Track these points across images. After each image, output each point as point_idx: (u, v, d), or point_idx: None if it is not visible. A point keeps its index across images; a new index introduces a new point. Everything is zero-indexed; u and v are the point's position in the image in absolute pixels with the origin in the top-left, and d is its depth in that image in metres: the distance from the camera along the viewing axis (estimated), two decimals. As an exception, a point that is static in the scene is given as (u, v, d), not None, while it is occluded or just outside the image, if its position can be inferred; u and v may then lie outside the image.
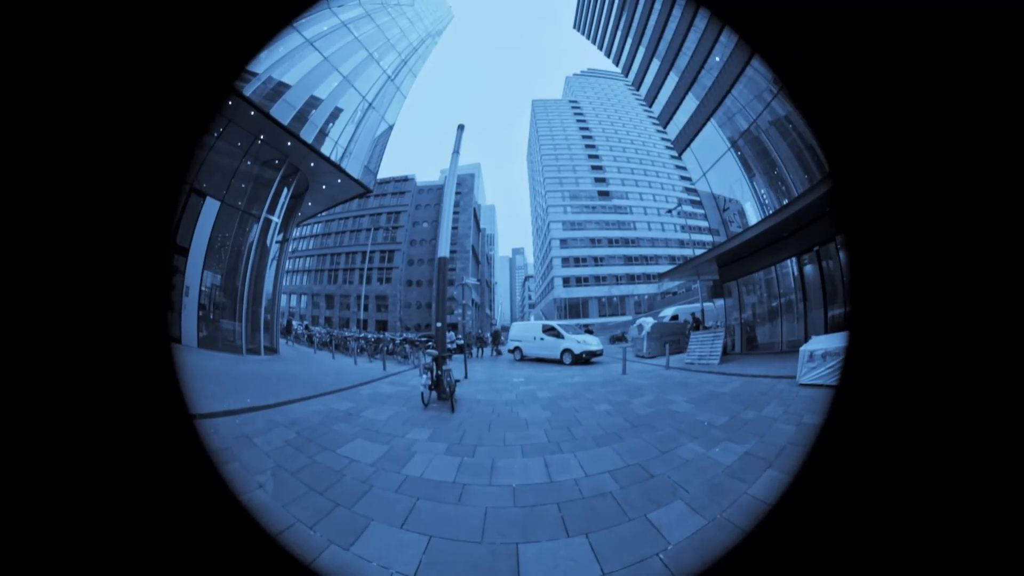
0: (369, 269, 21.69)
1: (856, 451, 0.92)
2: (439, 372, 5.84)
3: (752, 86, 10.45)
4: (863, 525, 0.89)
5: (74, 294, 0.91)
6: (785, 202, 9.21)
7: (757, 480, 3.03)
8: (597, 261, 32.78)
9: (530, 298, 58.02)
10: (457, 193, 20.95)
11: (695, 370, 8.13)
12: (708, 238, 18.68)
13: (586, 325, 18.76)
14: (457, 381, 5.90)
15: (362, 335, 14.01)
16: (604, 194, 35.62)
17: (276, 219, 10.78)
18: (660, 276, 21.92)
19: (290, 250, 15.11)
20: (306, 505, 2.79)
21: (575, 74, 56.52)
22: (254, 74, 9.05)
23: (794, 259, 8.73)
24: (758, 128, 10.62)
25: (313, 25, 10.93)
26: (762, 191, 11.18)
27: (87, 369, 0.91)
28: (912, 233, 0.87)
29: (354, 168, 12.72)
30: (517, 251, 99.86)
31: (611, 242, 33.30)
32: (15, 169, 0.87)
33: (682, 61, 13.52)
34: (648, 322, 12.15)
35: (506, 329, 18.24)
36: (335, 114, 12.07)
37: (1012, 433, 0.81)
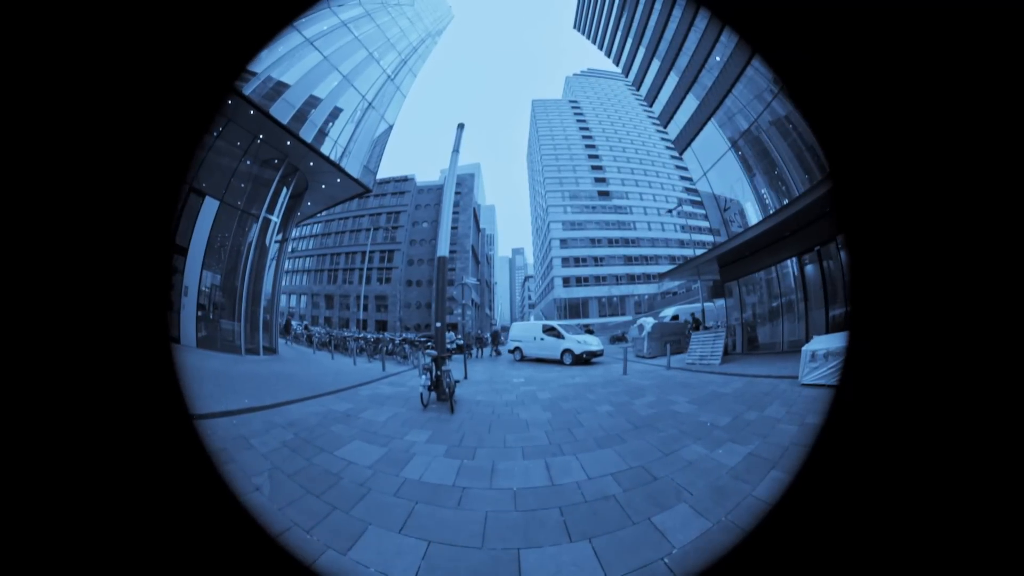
0: (369, 269, 21.66)
1: (856, 451, 0.92)
2: (438, 373, 5.79)
3: (752, 86, 10.44)
4: (863, 525, 0.88)
5: (74, 294, 0.90)
6: (785, 202, 9.19)
7: (761, 482, 2.99)
8: (597, 261, 32.77)
9: (530, 298, 58.03)
10: (457, 193, 20.97)
11: (696, 370, 8.09)
12: (708, 238, 18.66)
13: (586, 325, 18.72)
14: (457, 382, 5.84)
15: (361, 335, 13.96)
16: (604, 194, 35.62)
17: (275, 219, 10.74)
18: (661, 276, 21.91)
19: (289, 250, 15.07)
20: (303, 508, 2.74)
21: (575, 74, 56.57)
22: (253, 73, 9.01)
23: (795, 259, 8.71)
24: (759, 128, 10.60)
25: (313, 24, 10.89)
26: (763, 191, 11.15)
27: (87, 369, 0.90)
28: (912, 233, 0.87)
29: (353, 168, 12.68)
30: (517, 251, 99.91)
31: (611, 242, 33.29)
32: (15, 169, 0.87)
33: (682, 61, 13.50)
34: (649, 322, 12.11)
35: (506, 329, 18.21)
36: (335, 113, 12.04)
37: (1012, 433, 0.81)
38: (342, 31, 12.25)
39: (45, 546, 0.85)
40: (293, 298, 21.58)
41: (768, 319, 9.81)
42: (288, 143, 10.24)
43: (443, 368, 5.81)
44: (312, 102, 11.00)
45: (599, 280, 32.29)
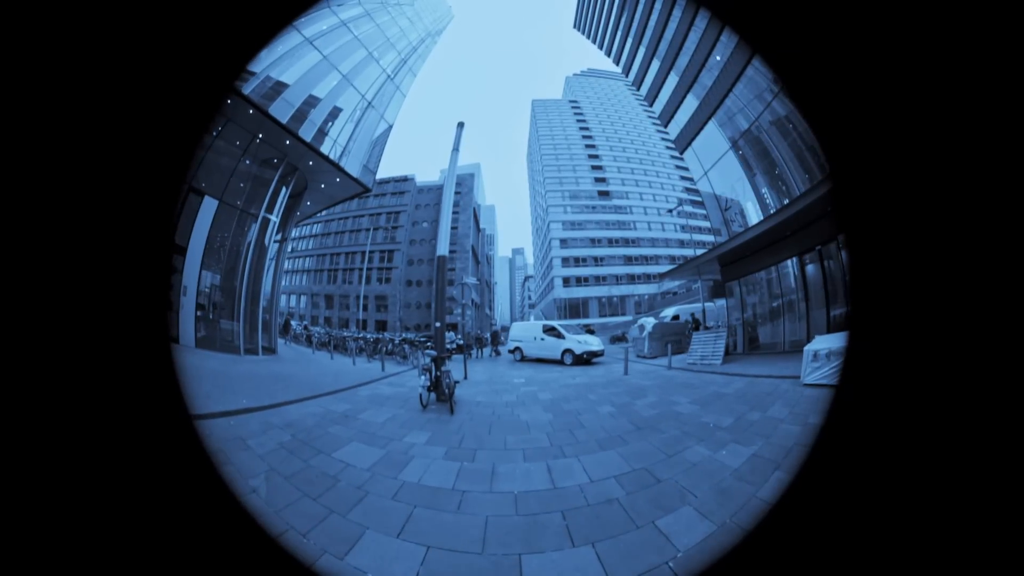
0: (368, 269, 21.63)
1: (856, 451, 0.92)
2: (438, 373, 5.73)
3: (752, 86, 10.42)
4: (864, 525, 0.88)
5: (74, 293, 0.90)
6: (786, 201, 9.16)
7: (766, 483, 2.95)
8: (597, 261, 32.74)
9: (530, 298, 58.01)
10: (457, 192, 20.94)
11: (697, 370, 8.06)
12: (709, 238, 18.63)
13: (587, 325, 18.67)
14: (456, 382, 5.79)
15: (361, 335, 13.92)
16: (604, 194, 35.61)
17: (274, 218, 10.69)
18: (661, 276, 21.88)
19: (289, 250, 15.03)
20: (299, 511, 2.69)
21: (575, 74, 56.58)
22: (252, 73, 8.97)
23: (796, 258, 8.67)
24: (759, 128, 10.57)
25: (312, 24, 10.85)
26: (764, 190, 11.12)
27: (87, 369, 0.90)
28: (912, 233, 0.88)
29: (353, 167, 12.64)
30: (517, 251, 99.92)
31: (611, 242, 33.27)
32: (15, 169, 0.86)
33: (682, 61, 13.49)
34: (649, 322, 12.07)
35: (505, 329, 18.16)
36: (334, 113, 12.00)
37: (1012, 433, 0.81)
38: (342, 30, 12.21)
39: (45, 546, 0.85)
40: (293, 298, 21.54)
41: (769, 319, 9.78)
42: (287, 142, 10.20)
43: (443, 368, 5.76)
44: (311, 101, 10.96)
45: (599, 280, 32.26)
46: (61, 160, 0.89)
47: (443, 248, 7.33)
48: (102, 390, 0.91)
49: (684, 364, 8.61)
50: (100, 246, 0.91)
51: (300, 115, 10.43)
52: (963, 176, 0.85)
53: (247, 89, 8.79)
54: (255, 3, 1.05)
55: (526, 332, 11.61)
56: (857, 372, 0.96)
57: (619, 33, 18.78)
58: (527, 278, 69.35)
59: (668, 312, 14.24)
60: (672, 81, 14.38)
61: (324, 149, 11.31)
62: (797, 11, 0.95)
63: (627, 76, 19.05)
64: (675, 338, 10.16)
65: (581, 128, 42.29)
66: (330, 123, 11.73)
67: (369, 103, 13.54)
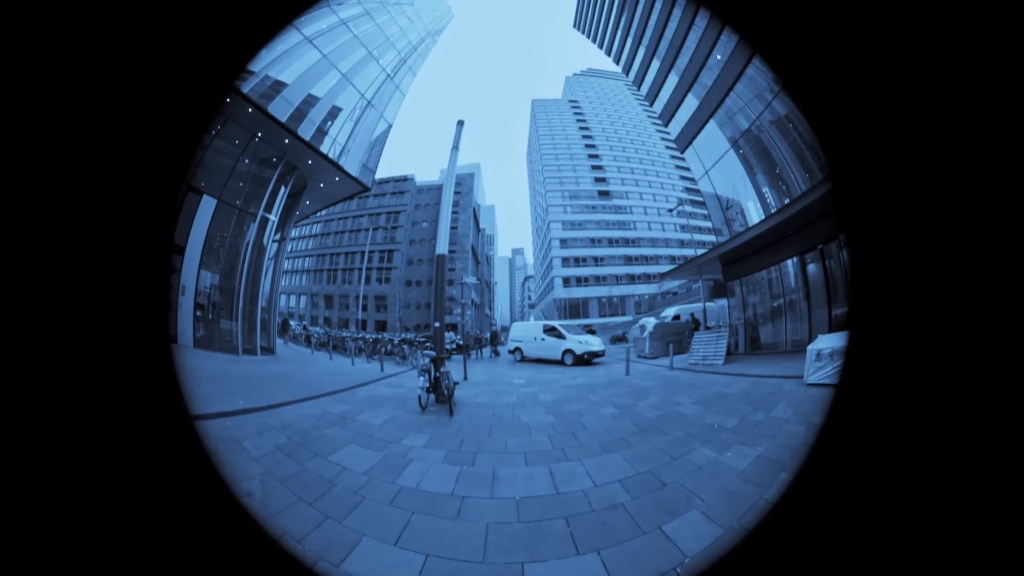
0: (368, 269, 21.57)
1: (857, 451, 0.92)
2: (437, 374, 5.65)
3: (753, 85, 10.38)
4: (864, 524, 0.88)
5: (74, 293, 0.90)
6: (787, 201, 9.10)
7: (772, 485, 2.87)
8: (597, 261, 32.71)
9: (530, 298, 57.96)
10: (456, 192, 20.90)
11: (699, 371, 8.00)
12: (709, 238, 18.58)
13: (588, 325, 18.60)
14: (456, 383, 5.70)
15: (360, 335, 13.86)
16: (604, 194, 35.58)
17: (273, 217, 10.63)
18: (662, 276, 21.82)
19: (288, 250, 14.97)
20: (294, 516, 2.61)
21: (575, 74, 56.60)
22: (252, 72, 8.90)
23: (797, 258, 8.62)
24: (760, 127, 10.52)
25: (312, 23, 10.80)
26: (765, 189, 11.07)
27: (87, 369, 0.90)
28: (913, 233, 0.88)
29: (352, 166, 12.58)
30: (517, 251, 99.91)
31: (611, 242, 33.24)
32: (15, 169, 0.86)
33: (683, 60, 13.45)
34: (650, 322, 12.01)
35: (505, 329, 18.09)
36: (333, 112, 11.94)
37: (1012, 433, 0.81)
38: (341, 29, 12.16)
39: (45, 546, 0.84)
40: (292, 298, 21.49)
41: (770, 318, 9.72)
42: (286, 141, 10.14)
43: (442, 369, 5.68)
44: (310, 100, 10.91)
45: (599, 280, 32.22)
46: (61, 160, 0.88)
47: (442, 247, 7.25)
48: (102, 390, 0.90)
49: (686, 364, 8.55)
50: (100, 245, 0.91)
51: (299, 114, 10.38)
52: (963, 176, 0.85)
53: (246, 88, 8.73)
54: (255, 3, 1.05)
55: (526, 332, 11.54)
56: (857, 372, 0.96)
57: (619, 33, 18.75)
58: (527, 278, 69.33)
59: (669, 312, 14.18)
60: (672, 81, 14.35)
61: (323, 148, 11.25)
62: (797, 11, 0.95)
63: (627, 75, 19.01)
64: (676, 338, 10.11)
65: (581, 128, 42.28)
66: (329, 122, 11.67)
67: (369, 102, 13.49)
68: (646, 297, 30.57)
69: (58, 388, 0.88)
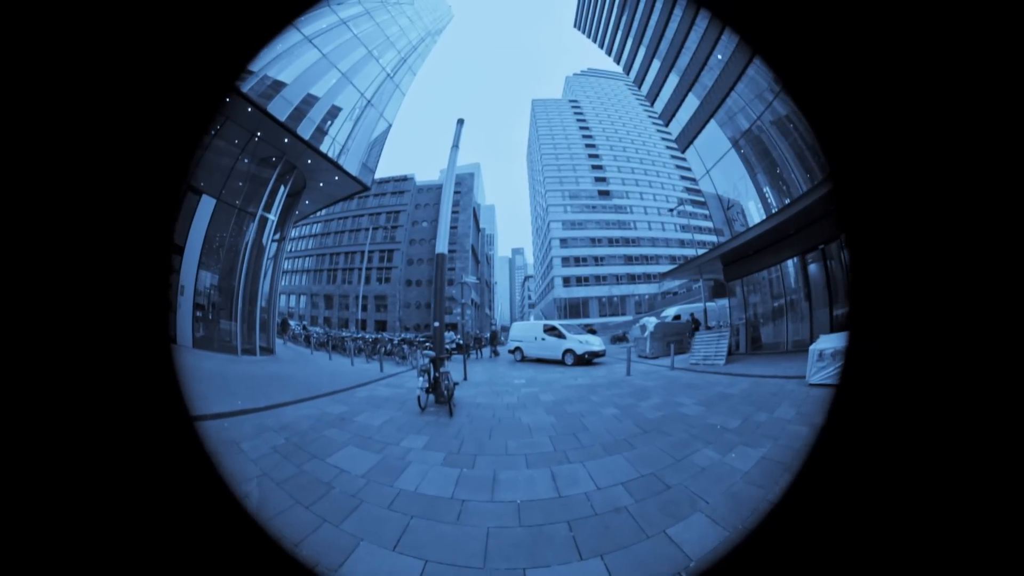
0: (368, 269, 21.53)
1: (857, 451, 0.92)
2: (437, 374, 5.60)
3: (754, 85, 10.35)
4: (864, 525, 0.88)
5: (74, 293, 0.90)
6: (787, 202, 9.07)
7: (777, 486, 2.83)
8: (597, 261, 32.67)
9: (530, 298, 57.94)
10: (456, 192, 20.85)
11: (701, 371, 7.96)
12: (710, 238, 18.54)
13: (588, 325, 18.56)
14: (456, 384, 5.65)
15: (360, 335, 13.82)
16: (604, 194, 35.54)
17: (272, 217, 10.59)
18: (663, 275, 21.79)
19: (288, 249, 14.92)
20: (291, 520, 2.56)
21: (575, 74, 56.56)
22: (251, 71, 8.85)
23: (799, 257, 8.58)
24: (760, 127, 10.49)
25: (312, 22, 10.76)
26: (766, 189, 11.03)
27: (87, 370, 0.90)
28: (913, 233, 0.88)
29: (352, 165, 12.54)
30: (517, 251, 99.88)
31: (611, 242, 33.20)
32: (15, 169, 0.86)
33: (683, 60, 13.43)
34: (651, 322, 11.96)
35: (505, 329, 18.04)
36: (333, 111, 11.90)
37: (1012, 433, 0.81)
38: (341, 29, 12.12)
39: (45, 546, 0.85)
40: (292, 298, 21.45)
41: (772, 318, 9.68)
42: (286, 140, 10.10)
43: (441, 369, 5.63)
44: (310, 100, 10.87)
45: (599, 280, 32.19)
46: (61, 161, 0.88)
47: (442, 246, 7.20)
48: (102, 391, 0.90)
49: (687, 364, 8.50)
50: (100, 245, 0.91)
51: (299, 113, 10.34)
52: (963, 176, 0.85)
53: (246, 87, 8.69)
54: (255, 3, 1.05)
55: (527, 332, 11.49)
56: (858, 372, 0.96)
57: (619, 32, 18.73)
58: (527, 278, 69.31)
59: (670, 312, 14.15)
60: (673, 80, 14.33)
61: (323, 147, 11.21)
62: (797, 11, 0.95)
63: (628, 75, 18.98)
64: (677, 338, 10.07)
65: (581, 128, 42.24)
66: (329, 121, 11.64)
67: (368, 101, 13.45)
68: (646, 297, 30.54)
69: (58, 388, 0.87)
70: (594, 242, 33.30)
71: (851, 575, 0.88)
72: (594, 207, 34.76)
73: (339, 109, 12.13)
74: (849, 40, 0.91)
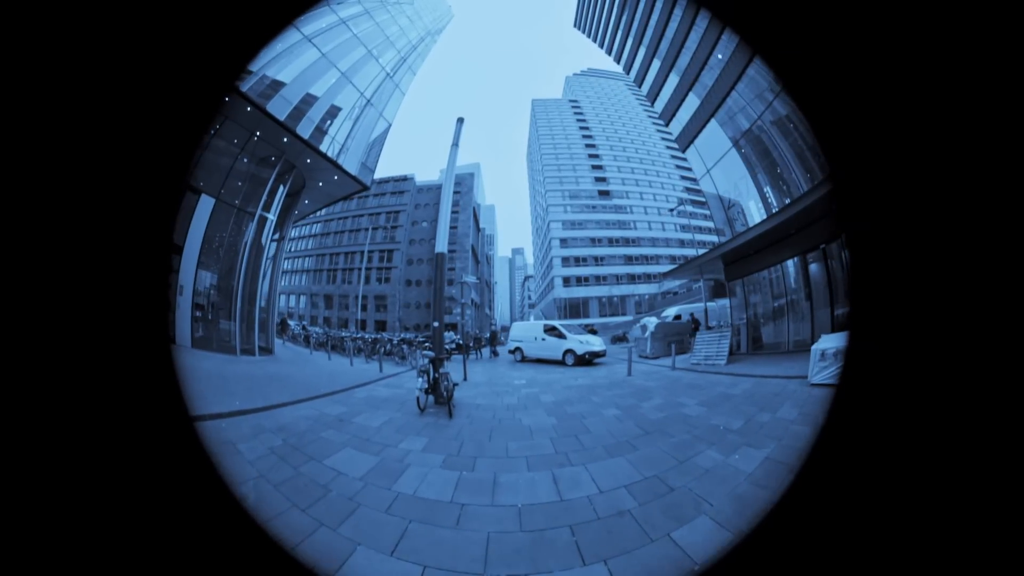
0: (368, 269, 21.50)
1: (857, 451, 0.92)
2: (436, 375, 5.54)
3: (754, 85, 10.33)
4: (863, 524, 0.88)
5: (74, 293, 0.90)
6: (787, 201, 9.04)
7: (780, 487, 2.78)
8: (597, 261, 32.65)
9: (530, 298, 57.90)
10: (456, 192, 20.82)
11: (702, 371, 7.92)
12: (710, 238, 18.52)
13: (589, 325, 18.51)
14: (456, 384, 5.60)
15: (359, 335, 13.78)
16: (604, 193, 35.53)
17: (272, 216, 10.55)
18: (664, 275, 21.78)
19: (288, 249, 14.88)
20: (287, 523, 2.52)
21: (575, 74, 56.56)
22: (250, 71, 8.81)
23: (799, 257, 8.54)
24: (761, 127, 10.46)
25: (311, 21, 10.72)
26: (767, 188, 11.00)
27: (86, 370, 0.90)
28: (913, 233, 0.88)
29: (351, 165, 12.51)
30: (517, 251, 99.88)
31: (611, 242, 33.18)
32: (15, 169, 0.86)
33: (683, 60, 13.41)
34: (652, 322, 11.93)
35: (505, 329, 17.98)
36: (332, 111, 11.86)
37: (1012, 432, 0.81)
38: (341, 28, 12.09)
39: (45, 546, 0.84)
40: (292, 298, 21.42)
41: (773, 318, 9.65)
42: (285, 140, 10.06)
43: (441, 370, 5.57)
44: (309, 99, 10.83)
45: (599, 280, 32.16)
46: (62, 161, 0.88)
47: (442, 245, 7.15)
48: (101, 391, 0.90)
49: (688, 364, 8.46)
50: (100, 245, 0.91)
51: (298, 113, 10.31)
52: (963, 176, 0.85)
53: (245, 86, 8.65)
54: (255, 3, 1.05)
55: (527, 332, 11.45)
56: (857, 372, 0.96)
57: (620, 32, 18.71)
58: (527, 278, 69.28)
59: (670, 312, 14.11)
60: (673, 80, 14.31)
61: (322, 147, 11.17)
62: (797, 12, 0.95)
63: (628, 74, 18.96)
64: (678, 338, 10.03)
65: (581, 128, 42.24)
66: (328, 121, 11.61)
67: (368, 101, 13.42)
68: (646, 297, 30.52)
69: (57, 387, 0.87)
70: (594, 242, 33.27)
71: (851, 575, 0.88)
72: (594, 207, 34.74)
73: (338, 108, 12.10)
74: (849, 40, 0.91)
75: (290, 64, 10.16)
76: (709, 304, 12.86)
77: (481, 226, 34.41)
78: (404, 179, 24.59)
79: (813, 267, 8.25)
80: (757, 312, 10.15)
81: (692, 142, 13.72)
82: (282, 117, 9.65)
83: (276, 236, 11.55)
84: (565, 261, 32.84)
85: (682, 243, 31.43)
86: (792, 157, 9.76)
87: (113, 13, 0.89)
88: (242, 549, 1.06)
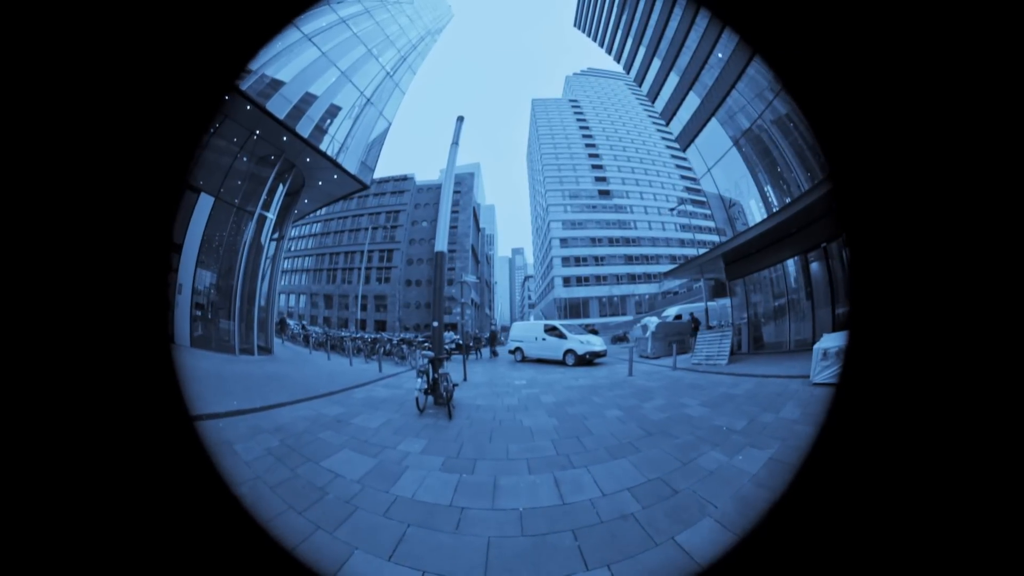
0: (368, 268, 21.46)
1: (857, 450, 0.92)
2: (436, 375, 5.49)
3: (755, 84, 10.30)
4: (863, 524, 0.88)
5: (73, 292, 0.89)
6: (788, 200, 9.00)
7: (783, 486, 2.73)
8: (597, 261, 32.61)
9: (530, 298, 57.86)
10: (456, 191, 20.78)
11: (703, 371, 7.88)
12: (710, 238, 18.48)
13: (589, 325, 18.46)
14: (455, 385, 5.54)
15: (359, 335, 13.74)
16: (604, 193, 35.49)
17: (271, 215, 10.51)
18: (665, 275, 21.74)
19: (287, 249, 14.85)
20: (283, 525, 2.47)
21: (575, 73, 56.53)
22: (250, 70, 8.77)
23: (800, 256, 8.50)
24: (761, 126, 10.42)
25: (311, 20, 10.68)
26: (768, 188, 10.96)
27: (86, 369, 0.90)
28: (913, 233, 0.88)
29: (351, 164, 12.47)
30: (517, 251, 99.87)
31: (612, 241, 33.14)
32: (14, 169, 0.86)
33: (683, 59, 13.38)
34: (653, 321, 11.90)
35: (505, 329, 17.94)
36: (332, 110, 11.82)
37: (1012, 432, 0.81)
38: (341, 27, 12.05)
39: (45, 545, 0.84)
40: (292, 297, 21.39)
41: (774, 318, 9.61)
42: (284, 139, 10.02)
43: (441, 370, 5.52)
44: (309, 98, 10.79)
45: (600, 280, 32.12)
46: (62, 161, 0.88)
47: (442, 244, 7.11)
48: (101, 390, 0.90)
49: (689, 364, 8.42)
50: (100, 244, 0.91)
51: (297, 112, 10.27)
52: (963, 175, 0.85)
53: (244, 85, 8.61)
54: (256, 1, 1.05)
55: (527, 332, 11.41)
56: (858, 371, 0.96)
57: (620, 32, 18.69)
58: (527, 278, 69.23)
59: (671, 312, 14.07)
60: (673, 80, 14.28)
61: (322, 146, 11.13)
62: (797, 11, 0.95)
63: (628, 74, 18.93)
64: (678, 338, 10.00)
65: (581, 127, 42.20)
66: (328, 120, 11.57)
67: (368, 100, 13.38)
68: (647, 297, 30.48)
69: (56, 386, 0.87)
70: (594, 242, 33.22)
71: (852, 574, 0.88)
72: (594, 207, 34.69)
73: (338, 108, 12.06)
74: (849, 40, 0.90)
75: (290, 63, 10.12)
76: (710, 304, 12.83)
77: (481, 226, 34.37)
78: (404, 178, 24.55)
79: (814, 266, 8.22)
80: (758, 311, 10.11)
81: (692, 141, 13.68)
82: (282, 116, 9.61)
83: (276, 235, 11.51)
84: (565, 261, 32.79)
85: (682, 243, 31.39)
86: (792, 156, 9.72)
87: (113, 13, 0.89)
88: (242, 549, 1.05)
